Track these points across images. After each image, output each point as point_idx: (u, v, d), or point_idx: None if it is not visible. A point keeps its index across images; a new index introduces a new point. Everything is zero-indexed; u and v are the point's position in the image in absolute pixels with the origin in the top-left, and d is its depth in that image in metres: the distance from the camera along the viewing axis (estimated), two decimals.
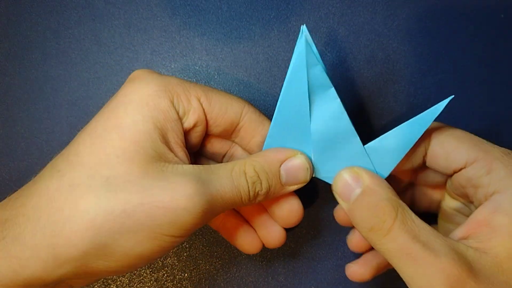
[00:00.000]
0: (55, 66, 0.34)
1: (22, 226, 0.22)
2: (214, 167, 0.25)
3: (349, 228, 0.34)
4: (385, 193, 0.25)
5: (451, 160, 0.26)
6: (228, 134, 0.28)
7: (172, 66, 0.34)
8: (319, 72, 0.25)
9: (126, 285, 0.33)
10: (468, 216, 0.26)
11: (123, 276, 0.33)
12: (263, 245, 0.30)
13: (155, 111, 0.24)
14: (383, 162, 0.26)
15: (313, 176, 0.28)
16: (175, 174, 0.23)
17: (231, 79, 0.34)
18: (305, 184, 0.27)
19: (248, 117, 0.28)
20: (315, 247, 0.34)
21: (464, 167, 0.25)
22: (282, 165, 0.26)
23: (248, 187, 0.25)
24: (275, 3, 0.34)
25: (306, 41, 0.25)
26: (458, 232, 0.24)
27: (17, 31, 0.34)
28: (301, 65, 0.25)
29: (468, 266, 0.22)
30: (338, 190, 0.26)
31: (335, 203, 0.34)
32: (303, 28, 0.25)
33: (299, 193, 0.30)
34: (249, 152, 0.29)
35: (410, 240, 0.23)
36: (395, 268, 0.24)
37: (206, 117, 0.27)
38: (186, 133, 0.26)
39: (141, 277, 0.33)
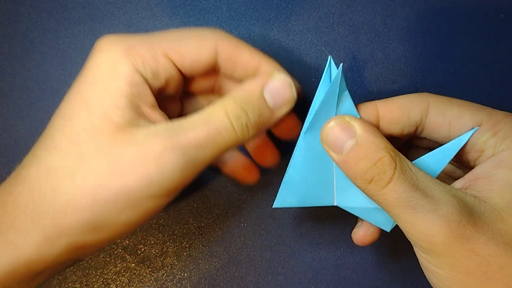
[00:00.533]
0: (55, 66, 0.34)
1: (13, 214, 0.23)
2: (189, 117, 0.24)
3: (349, 228, 0.34)
4: (382, 142, 0.24)
5: (455, 128, 0.25)
6: (211, 72, 0.27)
7: None
8: (347, 98, 0.26)
9: (126, 285, 0.33)
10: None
11: (123, 276, 0.33)
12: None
13: (118, 80, 0.23)
14: None
15: (335, 205, 0.28)
16: (145, 135, 0.23)
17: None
18: (294, 102, 0.26)
19: (224, 51, 0.26)
20: (315, 247, 0.34)
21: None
22: (264, 89, 0.25)
23: (232, 123, 0.24)
24: (275, 3, 0.34)
25: (341, 72, 0.25)
26: (457, 184, 0.24)
27: (17, 31, 0.34)
28: (334, 94, 0.25)
29: (468, 212, 0.22)
30: (328, 141, 0.25)
31: None
32: (340, 66, 0.25)
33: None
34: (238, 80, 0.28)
35: (410, 189, 0.22)
36: (393, 217, 0.24)
37: (179, 70, 0.26)
38: (162, 91, 0.26)
39: (141, 277, 0.33)
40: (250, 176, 0.31)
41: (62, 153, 0.23)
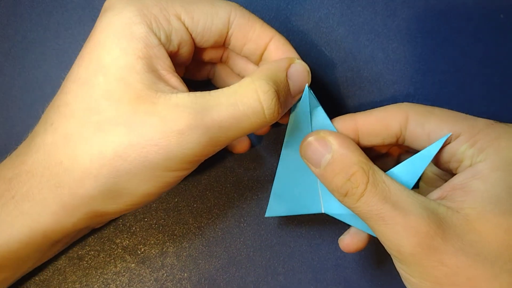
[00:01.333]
0: (55, 66, 0.34)
1: (28, 183, 0.22)
2: (214, 92, 0.23)
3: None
4: (355, 156, 0.24)
5: (434, 139, 0.26)
6: (220, 45, 0.27)
7: None
8: (321, 113, 0.27)
9: (126, 285, 0.33)
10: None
11: (123, 276, 0.33)
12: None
13: (134, 41, 0.23)
14: None
15: (323, 212, 0.28)
16: (167, 106, 0.22)
17: None
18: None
19: (237, 23, 0.26)
20: (315, 247, 0.34)
21: (448, 143, 0.25)
22: (288, 73, 0.25)
23: (263, 106, 0.23)
24: (275, 4, 0.34)
25: (309, 88, 0.26)
26: (434, 194, 0.25)
27: (17, 31, 0.34)
28: (305, 112, 0.26)
29: (437, 223, 0.22)
30: (307, 157, 0.25)
31: None
32: (306, 87, 0.26)
33: None
34: (247, 57, 0.28)
35: (380, 202, 0.23)
36: (371, 228, 0.24)
37: (191, 35, 0.25)
38: (173, 57, 0.25)
39: (141, 277, 0.33)
40: (241, 146, 0.31)
41: (80, 120, 0.22)
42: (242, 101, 0.22)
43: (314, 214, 0.34)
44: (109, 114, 0.22)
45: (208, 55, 0.28)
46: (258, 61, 0.28)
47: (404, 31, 0.34)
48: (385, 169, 0.25)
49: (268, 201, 0.33)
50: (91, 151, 0.22)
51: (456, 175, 0.25)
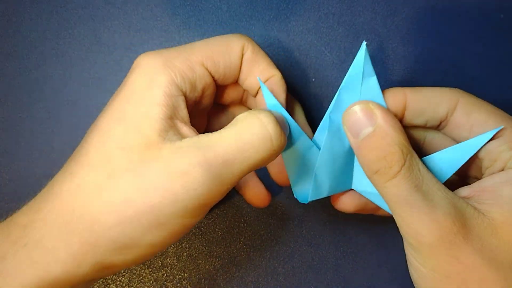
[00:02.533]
0: (55, 66, 0.34)
1: (41, 231, 0.22)
2: (217, 131, 0.23)
3: (349, 228, 0.34)
4: (397, 136, 0.24)
5: (476, 133, 0.25)
6: (237, 77, 0.28)
7: None
8: (373, 84, 0.25)
9: (126, 285, 0.33)
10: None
11: (123, 276, 0.33)
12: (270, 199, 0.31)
13: (153, 89, 0.23)
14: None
15: (351, 188, 0.28)
16: (171, 150, 0.22)
17: None
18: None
19: (246, 57, 0.27)
20: (315, 247, 0.34)
21: (490, 140, 0.25)
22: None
23: (269, 131, 0.23)
24: (275, 3, 0.34)
25: (366, 51, 0.25)
26: (463, 191, 0.25)
27: (17, 31, 0.34)
28: (357, 75, 0.25)
29: (462, 222, 0.22)
30: (348, 124, 0.25)
31: None
32: (363, 44, 0.25)
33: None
34: (248, 90, 0.28)
35: (412, 189, 0.23)
36: (390, 208, 0.24)
37: (213, 77, 0.26)
38: (197, 102, 0.26)
39: (141, 277, 0.33)
40: (261, 201, 0.31)
41: (95, 169, 0.22)
42: (246, 130, 0.22)
43: (313, 214, 0.34)
44: (121, 162, 0.22)
45: (229, 97, 0.29)
46: (255, 95, 0.28)
47: (404, 31, 0.34)
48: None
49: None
50: (100, 199, 0.22)
51: (489, 177, 0.25)
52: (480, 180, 0.25)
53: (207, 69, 0.25)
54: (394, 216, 0.24)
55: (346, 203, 0.29)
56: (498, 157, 0.25)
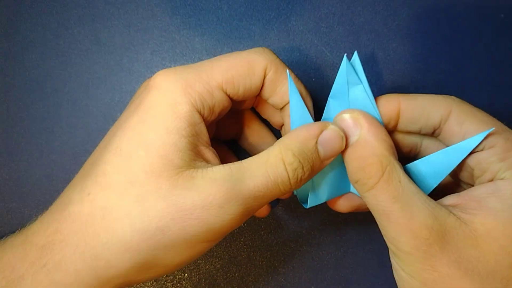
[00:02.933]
0: (55, 66, 0.34)
1: (61, 253, 0.22)
2: (246, 162, 0.24)
3: (349, 228, 0.34)
4: (378, 147, 0.24)
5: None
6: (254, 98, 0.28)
7: (172, 66, 0.34)
8: (360, 92, 0.26)
9: None
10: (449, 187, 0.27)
11: None
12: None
13: (178, 121, 0.23)
14: (418, 184, 0.26)
15: (350, 191, 0.28)
16: (205, 180, 0.23)
17: None
18: (340, 152, 0.26)
19: (269, 77, 0.26)
20: (315, 247, 0.34)
21: (481, 150, 0.25)
22: (318, 140, 0.25)
23: (289, 176, 0.24)
24: (275, 3, 0.34)
25: (347, 61, 0.25)
26: (450, 199, 0.25)
27: (17, 31, 0.34)
28: (343, 85, 0.26)
29: (440, 233, 0.22)
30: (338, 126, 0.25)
31: None
32: (344, 56, 0.25)
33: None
34: (272, 105, 0.28)
35: (389, 200, 0.23)
36: (375, 217, 0.24)
37: (232, 99, 0.26)
38: (213, 123, 0.26)
39: None
40: (261, 212, 0.31)
41: (119, 192, 0.22)
42: (272, 171, 0.23)
43: (314, 213, 0.34)
44: (149, 187, 0.22)
45: (243, 105, 0.29)
46: (280, 108, 0.29)
47: (404, 31, 0.34)
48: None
49: None
50: (132, 226, 0.22)
51: (477, 187, 0.25)
52: (469, 189, 0.25)
53: (226, 92, 0.26)
54: (376, 220, 0.25)
55: (342, 205, 0.29)
56: (487, 168, 0.25)
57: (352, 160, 0.25)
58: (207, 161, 0.24)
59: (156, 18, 0.34)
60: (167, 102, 0.24)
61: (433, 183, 0.26)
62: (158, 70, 0.34)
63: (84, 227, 0.22)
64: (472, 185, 0.26)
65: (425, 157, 0.26)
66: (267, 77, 0.26)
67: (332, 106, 0.27)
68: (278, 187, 0.24)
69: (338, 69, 0.34)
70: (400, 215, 0.23)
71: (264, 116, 0.31)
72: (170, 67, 0.34)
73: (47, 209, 0.24)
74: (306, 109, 0.26)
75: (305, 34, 0.33)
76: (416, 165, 0.26)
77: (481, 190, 0.24)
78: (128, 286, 0.24)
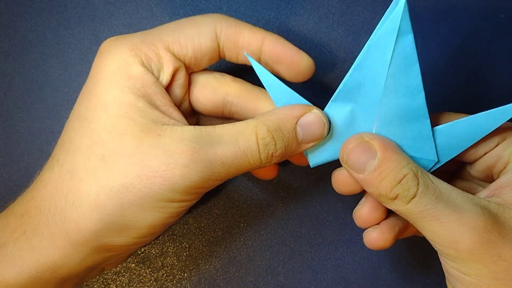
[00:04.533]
0: (55, 66, 0.34)
1: (37, 219, 0.23)
2: (218, 127, 0.24)
3: (349, 228, 0.34)
4: (403, 159, 0.24)
5: (482, 146, 0.26)
6: (215, 59, 0.27)
7: None
8: (409, 43, 0.24)
9: (126, 285, 0.33)
10: None
11: (123, 276, 0.33)
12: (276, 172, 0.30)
13: (131, 80, 0.23)
14: (447, 147, 0.26)
15: None
16: (172, 139, 0.22)
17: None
18: (321, 140, 0.26)
19: (225, 34, 0.26)
20: (315, 247, 0.34)
21: (495, 147, 0.25)
22: (298, 122, 0.25)
23: (259, 150, 0.24)
24: (275, 3, 0.34)
25: (406, 4, 0.23)
26: (481, 193, 0.25)
27: (17, 31, 0.34)
28: (392, 30, 0.23)
29: (493, 219, 0.22)
30: (349, 163, 0.24)
31: (335, 203, 0.34)
32: None
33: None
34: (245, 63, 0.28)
35: (433, 201, 0.23)
36: (418, 228, 0.24)
37: (184, 62, 0.26)
38: (169, 88, 0.26)
39: (141, 277, 0.33)
40: (268, 173, 0.30)
41: (84, 154, 0.23)
42: (243, 142, 0.23)
43: (314, 214, 0.34)
44: (113, 146, 0.22)
45: (207, 110, 0.28)
46: (259, 60, 0.27)
47: None
48: None
49: (267, 200, 0.33)
50: (97, 184, 0.22)
51: (502, 177, 0.25)
52: (495, 181, 0.25)
53: (173, 53, 0.25)
54: (424, 234, 0.24)
55: (347, 182, 0.27)
56: (510, 159, 0.25)
57: (381, 181, 0.24)
58: (175, 121, 0.24)
59: (156, 18, 0.34)
60: (117, 64, 0.24)
61: (463, 145, 0.25)
62: None
63: (54, 191, 0.23)
64: (489, 182, 0.26)
65: (461, 119, 0.25)
66: (222, 34, 0.26)
67: (372, 55, 0.24)
68: (247, 159, 0.23)
69: (338, 69, 0.34)
70: (449, 212, 0.22)
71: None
72: None
73: None
74: (282, 84, 0.25)
75: (305, 34, 0.33)
76: (450, 126, 0.25)
77: (509, 175, 0.24)
78: (108, 253, 0.24)
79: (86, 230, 0.22)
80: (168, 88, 0.26)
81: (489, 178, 0.27)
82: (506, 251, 0.22)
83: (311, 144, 0.25)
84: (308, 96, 0.34)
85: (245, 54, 0.26)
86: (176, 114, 0.24)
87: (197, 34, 0.25)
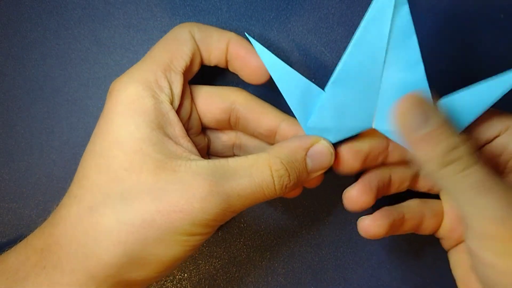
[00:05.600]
0: (55, 66, 0.34)
1: (57, 254, 0.23)
2: (231, 161, 0.24)
3: (349, 228, 0.34)
4: (456, 131, 0.24)
5: (484, 132, 0.26)
6: (200, 62, 0.28)
7: None
8: (405, 14, 0.24)
9: None
10: None
11: None
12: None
13: (145, 114, 0.24)
14: (454, 119, 0.25)
15: (373, 127, 0.27)
16: (189, 173, 0.23)
17: (231, 80, 0.33)
18: (327, 168, 0.27)
19: (198, 38, 0.27)
20: (315, 247, 0.34)
21: (499, 135, 0.25)
22: (307, 153, 0.26)
23: (274, 182, 0.24)
24: (275, 3, 0.34)
25: None
26: None
27: (17, 31, 0.34)
28: (389, 2, 0.23)
29: None
30: (407, 121, 0.24)
31: (335, 203, 0.34)
32: None
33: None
34: (219, 66, 0.29)
35: (489, 173, 0.23)
36: (461, 201, 0.23)
37: (182, 73, 0.27)
38: (180, 104, 0.26)
39: None
40: (293, 193, 0.31)
41: (103, 191, 0.23)
42: (257, 174, 0.24)
43: (313, 214, 0.34)
44: (131, 184, 0.23)
45: (214, 124, 0.29)
46: (225, 66, 0.29)
47: None
48: None
49: (267, 200, 0.33)
50: (118, 220, 0.22)
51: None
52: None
53: (175, 71, 0.26)
54: (464, 208, 0.23)
55: (350, 160, 0.27)
56: None
57: (438, 143, 0.23)
58: (188, 152, 0.25)
59: (156, 19, 0.34)
60: (129, 99, 0.24)
61: (471, 116, 0.25)
62: None
63: (74, 227, 0.23)
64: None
65: (465, 88, 0.25)
66: (196, 39, 0.27)
67: (368, 35, 0.24)
68: (262, 191, 0.24)
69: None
70: (500, 188, 0.22)
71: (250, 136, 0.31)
72: None
73: (46, 209, 0.25)
74: (283, 63, 0.25)
75: (305, 34, 0.33)
76: (455, 97, 0.25)
77: None
78: (127, 287, 0.24)
79: (108, 266, 0.22)
80: (179, 105, 0.26)
81: (494, 168, 0.26)
82: None
83: (320, 172, 0.26)
84: None
85: (246, 34, 0.26)
86: (188, 144, 0.25)
87: (182, 44, 0.26)
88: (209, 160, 0.24)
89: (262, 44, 0.33)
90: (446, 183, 0.24)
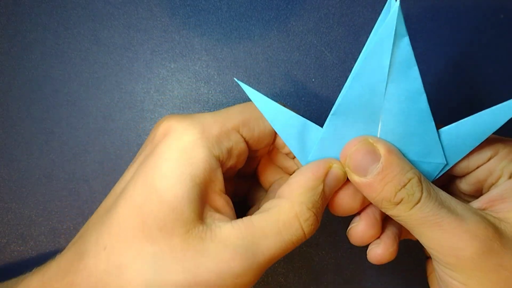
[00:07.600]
0: (55, 66, 0.34)
1: None
2: (256, 221, 0.23)
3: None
4: (406, 164, 0.24)
5: (474, 159, 0.25)
6: (271, 142, 0.28)
7: (172, 66, 0.34)
8: (406, 46, 0.23)
9: None
10: None
11: None
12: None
13: (193, 167, 0.23)
14: (454, 148, 0.25)
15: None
16: (215, 244, 0.22)
17: (231, 79, 0.34)
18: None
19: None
20: (315, 247, 0.34)
21: (488, 161, 0.25)
22: (325, 182, 0.25)
23: (304, 232, 0.24)
24: (275, 3, 0.34)
25: (400, 8, 0.23)
26: (474, 205, 0.25)
27: (17, 31, 0.34)
28: (389, 35, 0.23)
29: (493, 229, 0.22)
30: (351, 165, 0.24)
31: None
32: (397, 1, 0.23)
33: None
34: (286, 154, 0.28)
35: (436, 207, 0.23)
36: (417, 235, 0.24)
37: (248, 142, 0.26)
38: (231, 168, 0.26)
39: None
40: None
41: (134, 248, 0.22)
42: (286, 231, 0.23)
43: None
44: (164, 246, 0.22)
45: (260, 152, 0.29)
46: (293, 157, 0.28)
47: None
48: None
49: None
50: (147, 286, 0.22)
51: (493, 190, 0.25)
52: (486, 193, 0.25)
53: (242, 135, 0.25)
54: (422, 240, 0.24)
55: (347, 202, 0.27)
56: (501, 173, 0.25)
57: (385, 185, 0.23)
58: (217, 210, 0.24)
59: (156, 18, 0.34)
60: (182, 147, 0.23)
61: (471, 145, 0.25)
62: (158, 70, 0.34)
63: (100, 282, 0.22)
64: (476, 197, 0.26)
65: (465, 118, 0.25)
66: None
67: (368, 67, 0.24)
68: (293, 244, 0.23)
69: (338, 69, 0.34)
70: (452, 219, 0.22)
71: (277, 164, 0.30)
72: (170, 67, 0.34)
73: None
74: (277, 104, 0.25)
75: (305, 34, 0.33)
76: (455, 127, 0.25)
77: (500, 189, 0.24)
78: None
79: None
80: (230, 167, 0.26)
81: (477, 192, 0.27)
82: (507, 261, 0.22)
83: (332, 194, 0.26)
84: (308, 96, 0.34)
85: (235, 79, 0.26)
86: (221, 203, 0.24)
87: (262, 118, 0.26)
88: (234, 224, 0.23)
89: (262, 44, 0.33)
90: (400, 219, 0.24)
